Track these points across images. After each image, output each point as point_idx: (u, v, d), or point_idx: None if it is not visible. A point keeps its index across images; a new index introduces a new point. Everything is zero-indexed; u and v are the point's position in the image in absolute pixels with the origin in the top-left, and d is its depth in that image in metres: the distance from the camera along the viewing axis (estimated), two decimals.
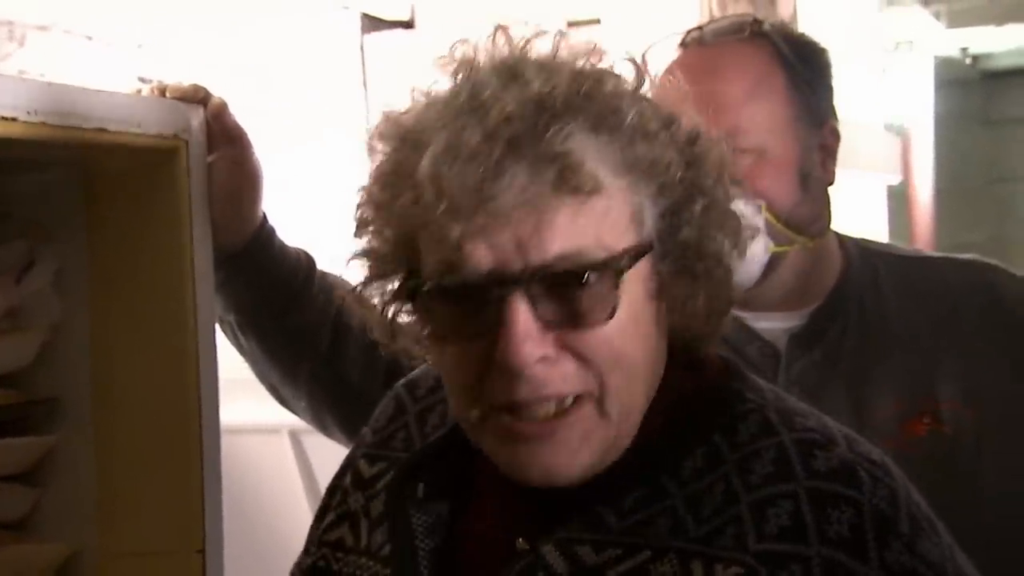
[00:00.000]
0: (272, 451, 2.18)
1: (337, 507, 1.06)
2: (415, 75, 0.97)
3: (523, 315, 0.86)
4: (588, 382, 0.89)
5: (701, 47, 1.43)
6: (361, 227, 0.95)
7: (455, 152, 0.85)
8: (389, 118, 0.92)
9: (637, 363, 0.91)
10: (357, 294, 0.97)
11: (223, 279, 1.35)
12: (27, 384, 1.29)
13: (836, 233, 1.47)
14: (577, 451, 0.89)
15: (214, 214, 1.31)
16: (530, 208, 0.85)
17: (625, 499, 0.91)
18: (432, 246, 0.88)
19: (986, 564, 1.32)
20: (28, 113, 1.11)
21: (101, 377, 1.31)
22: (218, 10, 2.27)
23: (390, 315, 0.97)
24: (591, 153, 0.87)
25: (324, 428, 1.47)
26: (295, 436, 2.18)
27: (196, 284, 1.29)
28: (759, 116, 1.38)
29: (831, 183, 1.45)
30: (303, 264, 1.41)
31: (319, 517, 1.07)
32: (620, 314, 0.88)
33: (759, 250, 1.36)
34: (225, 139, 1.31)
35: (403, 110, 0.93)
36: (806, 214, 1.40)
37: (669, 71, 1.43)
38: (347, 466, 1.09)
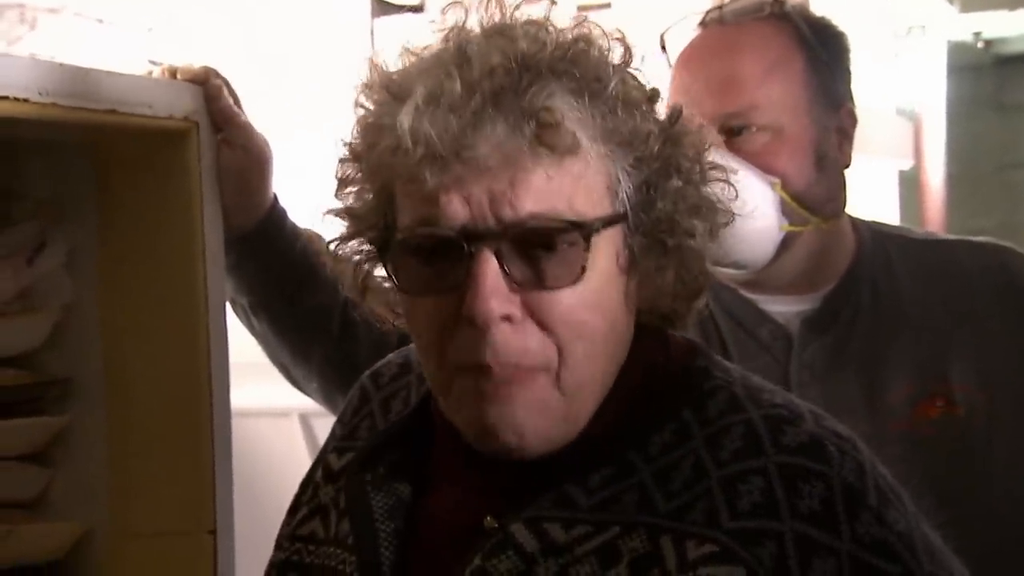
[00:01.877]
0: (282, 434, 2.18)
1: (309, 502, 1.05)
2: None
3: (492, 270, 0.86)
4: (548, 355, 0.89)
5: (721, 26, 1.43)
6: (341, 186, 0.96)
7: (436, 101, 0.85)
8: (376, 69, 0.92)
9: (599, 336, 0.91)
10: (332, 251, 0.98)
11: (235, 261, 1.35)
12: (39, 365, 1.30)
13: (849, 216, 1.47)
14: (532, 418, 0.89)
15: (224, 196, 1.31)
16: (507, 163, 0.85)
17: (592, 476, 0.91)
18: (407, 197, 0.89)
19: (995, 544, 1.32)
20: (40, 94, 1.11)
21: (113, 358, 1.32)
22: None
23: (363, 272, 0.97)
24: (571, 115, 0.87)
25: (335, 409, 1.46)
26: (305, 419, 2.20)
27: (207, 265, 1.29)
28: (776, 94, 1.37)
29: (847, 165, 1.45)
30: (314, 246, 1.41)
31: (291, 513, 1.07)
32: (586, 282, 0.88)
33: (773, 228, 1.36)
34: (221, 121, 1.31)
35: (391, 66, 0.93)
36: (821, 194, 1.40)
37: (687, 52, 1.43)
38: (318, 461, 1.09)
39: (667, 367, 0.97)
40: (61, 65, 1.17)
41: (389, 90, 0.90)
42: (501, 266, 0.87)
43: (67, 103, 1.13)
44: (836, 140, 1.42)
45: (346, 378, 1.42)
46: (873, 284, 1.43)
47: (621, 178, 0.90)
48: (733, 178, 1.11)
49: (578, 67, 0.89)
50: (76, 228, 1.31)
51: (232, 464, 1.33)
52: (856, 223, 1.47)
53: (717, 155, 1.30)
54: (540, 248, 0.87)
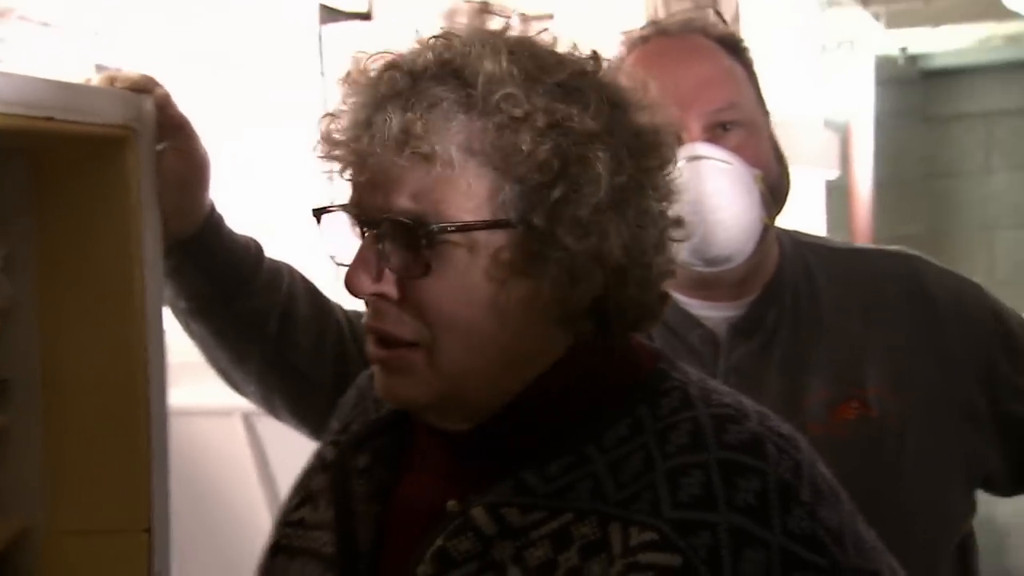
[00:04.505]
0: (225, 433, 2.16)
1: (301, 491, 1.10)
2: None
3: (364, 249, 0.95)
4: (421, 332, 0.94)
5: (666, 37, 1.44)
6: None
7: (354, 99, 0.96)
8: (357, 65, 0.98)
9: (475, 329, 0.94)
10: None
11: (174, 266, 1.33)
12: None
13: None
14: (411, 385, 0.96)
15: (163, 202, 1.29)
16: (382, 158, 0.92)
17: (550, 465, 0.94)
18: None
19: (905, 542, 1.33)
20: None
21: (50, 359, 1.29)
22: None
23: None
24: (441, 125, 0.91)
25: (273, 410, 1.46)
26: (248, 419, 2.17)
27: (144, 269, 1.27)
28: (741, 94, 1.40)
29: None
30: (251, 251, 1.39)
31: (287, 501, 1.11)
32: (446, 278, 0.93)
33: (758, 220, 1.37)
34: (170, 129, 1.30)
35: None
36: (783, 189, 1.44)
37: (639, 63, 1.41)
38: (315, 455, 1.12)
39: (627, 370, 1.00)
40: None
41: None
42: (377, 248, 0.93)
43: (3, 110, 1.10)
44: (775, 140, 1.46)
45: (284, 379, 1.41)
46: (794, 292, 1.45)
47: (505, 187, 0.92)
48: (727, 169, 1.29)
49: (462, 81, 0.92)
50: (14, 232, 1.28)
51: (169, 464, 1.31)
52: (777, 233, 1.48)
53: (710, 150, 1.33)
54: (393, 239, 0.93)
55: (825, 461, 1.00)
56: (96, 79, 1.30)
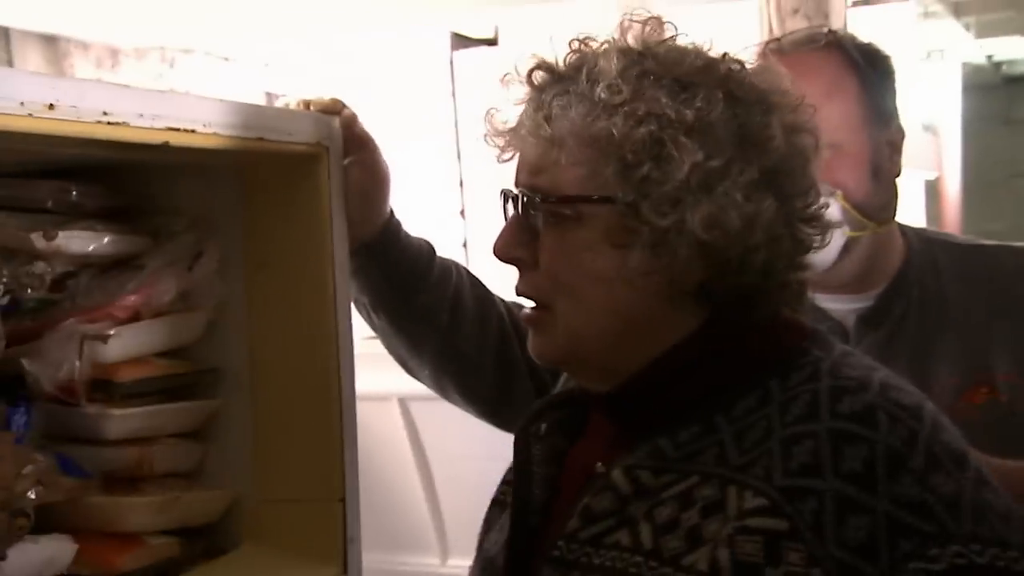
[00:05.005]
0: (384, 415, 2.28)
1: (516, 455, 1.18)
2: (499, 87, 1.11)
3: (509, 221, 1.08)
4: (544, 295, 1.05)
5: (780, 55, 1.49)
6: None
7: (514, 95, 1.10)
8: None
9: (583, 294, 1.03)
10: None
11: (358, 265, 1.44)
12: (196, 356, 1.39)
13: (898, 223, 1.54)
14: (543, 341, 1.07)
15: (349, 210, 1.40)
16: (521, 142, 1.06)
17: (682, 433, 1.00)
18: None
19: None
20: (204, 125, 1.20)
21: (257, 350, 1.40)
22: (329, 32, 2.37)
23: None
24: (560, 113, 1.02)
25: (444, 393, 1.55)
26: (403, 402, 2.29)
27: (335, 270, 1.37)
28: (836, 114, 1.43)
29: (898, 175, 1.52)
30: (425, 251, 1.49)
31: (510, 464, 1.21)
32: (560, 245, 1.03)
33: (837, 233, 1.42)
34: (356, 145, 1.40)
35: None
36: (878, 203, 1.47)
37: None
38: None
39: (766, 346, 1.05)
40: (221, 101, 1.25)
41: None
42: (519, 219, 1.06)
43: (225, 132, 1.22)
44: (888, 153, 1.49)
45: (453, 365, 1.51)
46: (921, 285, 1.49)
47: (605, 167, 1.00)
48: None
49: (579, 76, 1.03)
50: (226, 239, 1.39)
51: (357, 440, 1.40)
52: (904, 229, 1.54)
53: None
54: (524, 210, 1.05)
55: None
56: (292, 105, 1.42)
